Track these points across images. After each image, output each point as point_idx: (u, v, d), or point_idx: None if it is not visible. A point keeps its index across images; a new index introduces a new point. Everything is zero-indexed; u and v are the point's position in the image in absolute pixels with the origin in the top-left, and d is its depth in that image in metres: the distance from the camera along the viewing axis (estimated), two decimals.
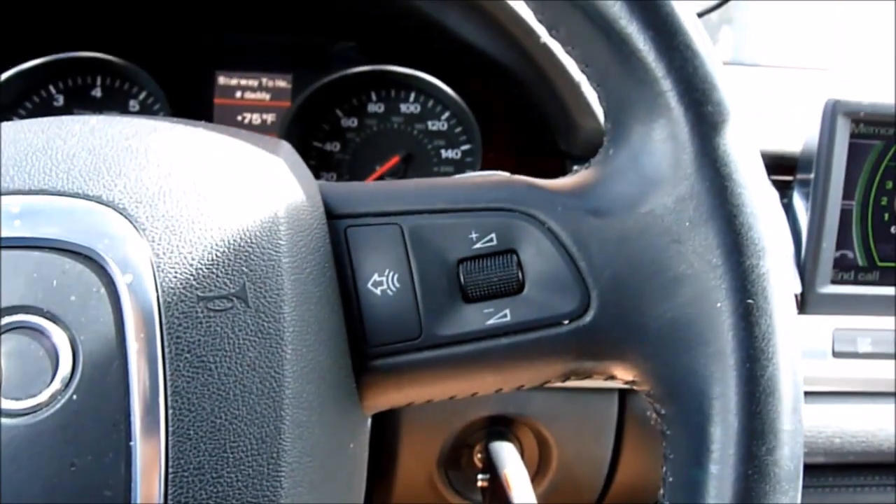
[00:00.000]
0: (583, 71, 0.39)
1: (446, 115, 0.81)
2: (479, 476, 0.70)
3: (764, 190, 0.35)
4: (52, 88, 0.79)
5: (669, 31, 0.35)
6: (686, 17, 0.35)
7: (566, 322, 0.37)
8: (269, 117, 0.83)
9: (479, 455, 0.72)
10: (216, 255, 0.33)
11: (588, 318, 0.37)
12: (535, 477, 0.73)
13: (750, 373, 0.33)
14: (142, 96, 0.80)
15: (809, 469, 0.72)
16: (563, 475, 0.72)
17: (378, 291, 0.37)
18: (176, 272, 0.32)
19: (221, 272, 0.33)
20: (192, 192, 0.34)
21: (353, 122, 0.81)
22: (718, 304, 0.34)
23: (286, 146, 0.40)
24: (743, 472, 0.33)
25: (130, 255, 0.32)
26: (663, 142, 0.36)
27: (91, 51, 0.77)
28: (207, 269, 0.33)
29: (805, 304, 0.68)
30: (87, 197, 0.33)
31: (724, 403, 0.33)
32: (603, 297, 0.37)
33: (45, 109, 0.79)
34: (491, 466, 0.68)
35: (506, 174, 0.41)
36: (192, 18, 0.82)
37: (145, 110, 0.80)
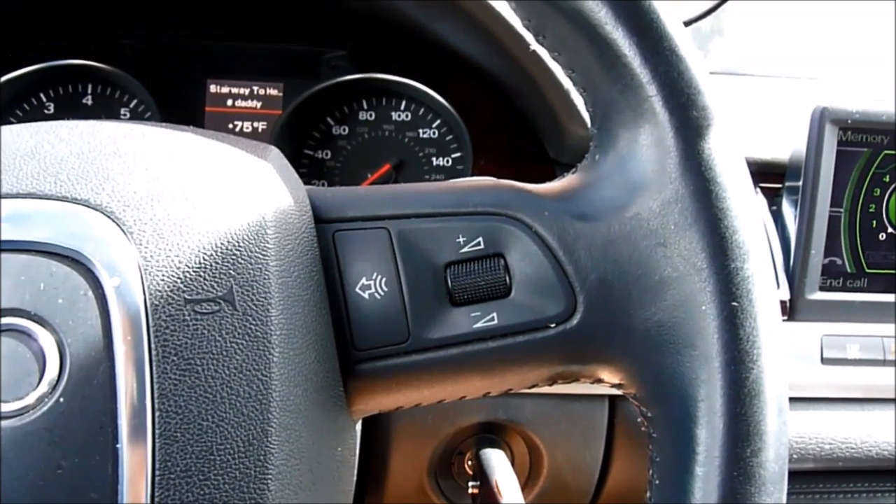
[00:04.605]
0: (569, 77, 0.39)
1: (437, 122, 0.81)
2: (470, 483, 0.70)
3: (748, 194, 0.35)
4: (42, 96, 0.79)
5: (654, 37, 0.35)
6: (671, 22, 0.35)
7: (553, 325, 0.37)
8: (261, 125, 0.83)
9: (469, 462, 0.72)
10: (203, 258, 0.33)
11: (574, 321, 0.37)
12: (526, 484, 0.73)
13: (735, 375, 0.33)
14: (132, 104, 0.80)
15: (799, 475, 0.72)
16: (553, 482, 0.72)
17: (366, 295, 0.37)
18: (163, 275, 0.32)
19: (208, 275, 0.33)
20: (179, 196, 0.34)
21: (343, 130, 0.81)
22: (703, 307, 0.34)
23: (274, 151, 0.40)
24: (728, 474, 0.33)
25: (117, 259, 0.32)
26: (649, 147, 0.36)
27: (82, 59, 0.77)
28: (194, 272, 0.33)
29: (794, 310, 0.69)
30: (74, 200, 0.33)
31: (709, 406, 0.33)
32: (589, 301, 0.37)
33: (36, 117, 0.79)
34: (481, 473, 0.68)
35: (493, 179, 0.41)
36: (184, 27, 0.82)
37: (136, 118, 0.80)
